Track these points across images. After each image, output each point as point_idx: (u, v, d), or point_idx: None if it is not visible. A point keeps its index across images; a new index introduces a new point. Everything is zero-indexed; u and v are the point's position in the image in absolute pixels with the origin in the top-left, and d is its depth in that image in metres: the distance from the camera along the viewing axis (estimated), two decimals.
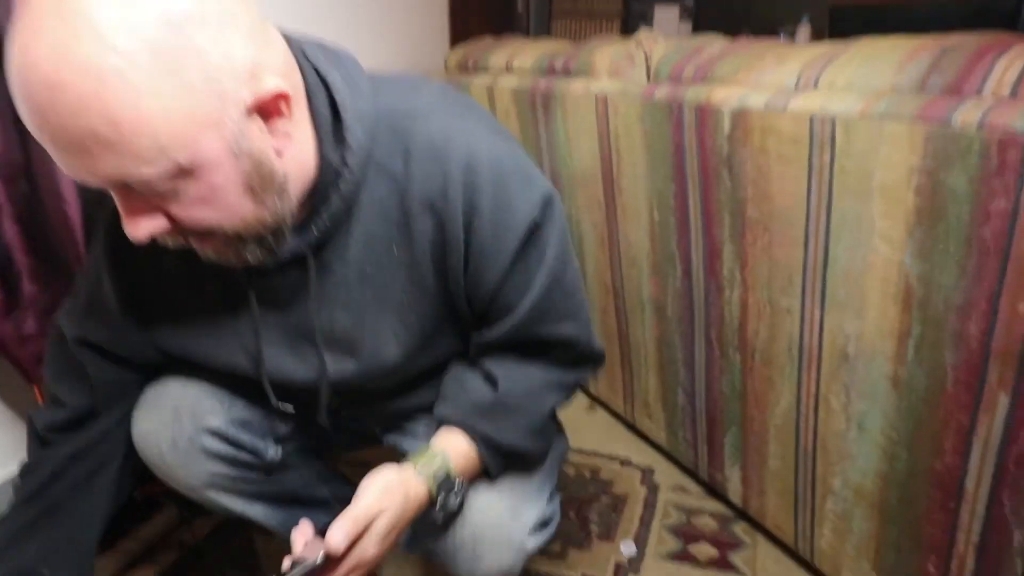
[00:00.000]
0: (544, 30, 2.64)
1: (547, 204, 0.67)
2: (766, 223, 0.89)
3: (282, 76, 0.55)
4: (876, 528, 0.88)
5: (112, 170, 0.49)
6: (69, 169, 0.51)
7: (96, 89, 0.46)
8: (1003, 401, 0.68)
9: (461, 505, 0.71)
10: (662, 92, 1.00)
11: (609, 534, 1.15)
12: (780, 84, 0.84)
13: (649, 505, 1.22)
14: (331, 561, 0.60)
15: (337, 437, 0.91)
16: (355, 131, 0.61)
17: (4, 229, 0.85)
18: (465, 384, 0.74)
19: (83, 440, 0.76)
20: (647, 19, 2.59)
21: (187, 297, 0.72)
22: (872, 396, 0.82)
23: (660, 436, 1.32)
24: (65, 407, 0.75)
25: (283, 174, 0.57)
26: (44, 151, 0.51)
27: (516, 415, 0.72)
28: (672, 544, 1.12)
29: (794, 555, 1.07)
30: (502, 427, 0.71)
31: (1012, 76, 0.63)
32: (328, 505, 0.94)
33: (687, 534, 1.14)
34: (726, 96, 0.89)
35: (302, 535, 0.61)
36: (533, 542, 0.74)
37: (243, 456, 0.82)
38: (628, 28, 2.61)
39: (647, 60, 1.08)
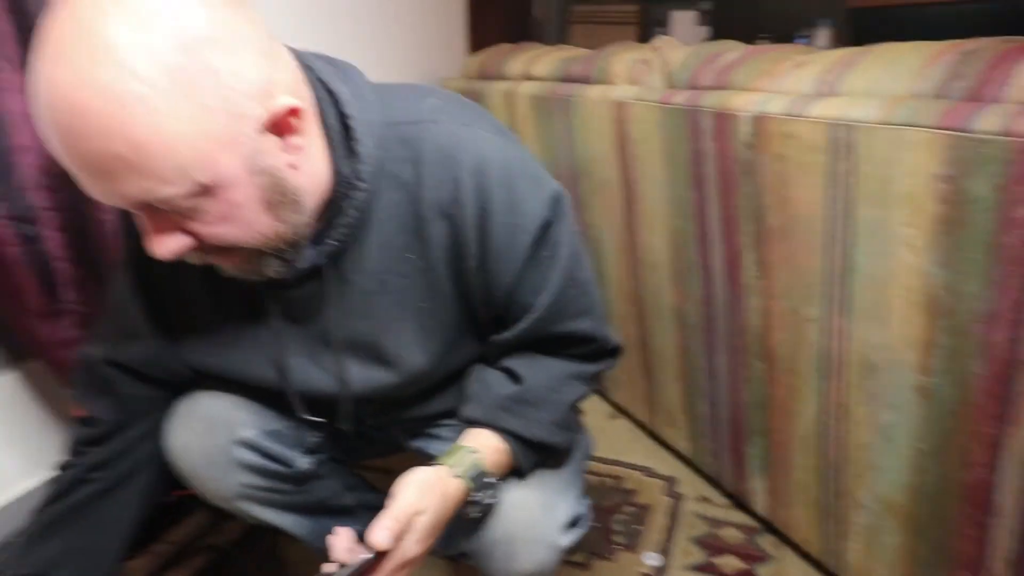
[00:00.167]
0: (561, 37, 2.64)
1: (557, 202, 0.68)
2: (787, 230, 0.88)
3: (293, 92, 0.56)
4: (906, 542, 0.86)
5: (136, 191, 0.51)
6: (95, 192, 0.52)
7: (118, 114, 0.47)
8: None
9: (495, 502, 0.71)
10: (680, 98, 1.00)
11: (633, 544, 1.14)
12: (799, 90, 0.83)
13: (673, 516, 1.20)
14: (374, 562, 0.61)
15: (362, 446, 0.92)
16: (365, 142, 0.62)
17: (48, 237, 0.88)
18: (488, 383, 0.74)
19: (110, 451, 0.78)
20: (664, 25, 2.57)
21: (211, 314, 0.74)
22: (898, 407, 0.80)
23: (683, 445, 1.31)
24: (96, 424, 0.77)
25: (299, 188, 0.59)
26: None
27: (540, 408, 0.72)
28: (697, 556, 1.11)
29: (822, 568, 1.05)
30: (528, 421, 0.71)
31: None
32: (355, 513, 0.95)
33: (712, 546, 1.13)
34: (745, 102, 0.88)
35: (343, 540, 0.61)
36: (566, 539, 0.74)
37: (274, 467, 0.83)
38: (645, 34, 2.60)
39: (665, 66, 1.07)
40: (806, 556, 1.08)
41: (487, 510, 0.71)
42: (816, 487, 0.98)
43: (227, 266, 0.62)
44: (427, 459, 0.68)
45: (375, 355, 0.73)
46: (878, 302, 0.78)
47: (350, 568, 0.58)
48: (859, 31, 2.23)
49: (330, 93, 0.62)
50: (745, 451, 1.11)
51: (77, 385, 0.79)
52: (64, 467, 0.78)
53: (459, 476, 0.67)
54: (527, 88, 1.38)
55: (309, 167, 0.60)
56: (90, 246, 0.93)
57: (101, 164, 0.49)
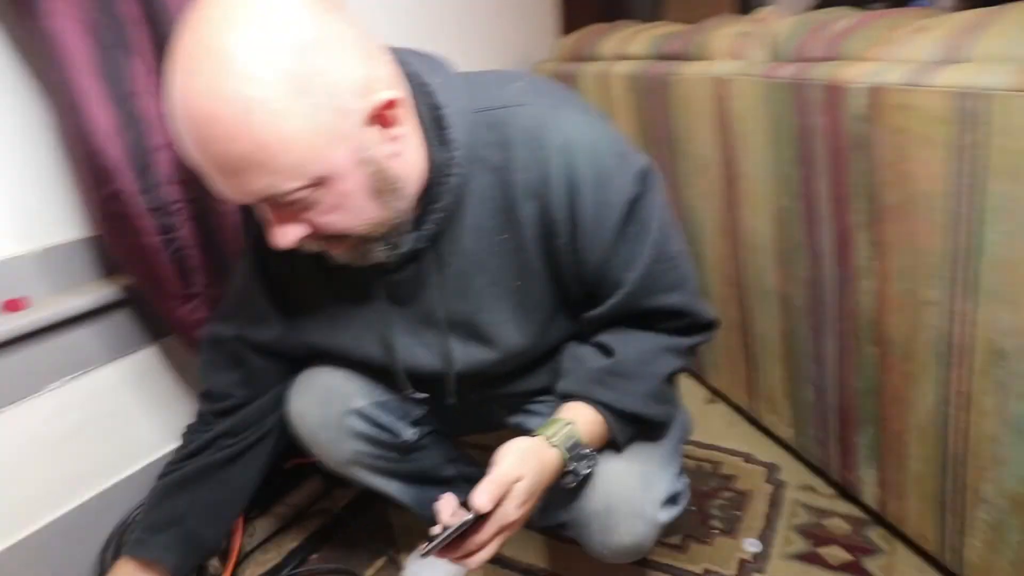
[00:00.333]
0: (656, 14, 2.56)
1: (644, 177, 0.68)
2: (906, 209, 0.83)
3: (392, 86, 0.59)
4: None
5: (261, 187, 0.56)
6: (225, 189, 0.58)
7: (244, 119, 0.52)
8: None
9: (591, 473, 0.73)
10: (786, 71, 0.95)
11: (731, 530, 1.13)
12: (920, 58, 0.77)
13: (775, 503, 1.17)
14: (475, 524, 0.63)
15: (463, 420, 0.96)
16: (456, 130, 0.65)
17: (182, 228, 0.97)
18: (581, 357, 0.76)
19: (238, 420, 0.85)
20: None
21: (323, 298, 0.79)
22: None
23: (786, 432, 1.26)
24: (225, 398, 0.85)
25: (400, 176, 0.62)
26: None
27: (634, 380, 0.73)
28: (800, 545, 1.08)
29: (938, 565, 0.99)
30: (622, 393, 0.72)
31: None
32: (455, 483, 0.99)
33: (817, 536, 1.09)
34: (858, 73, 0.83)
35: (448, 504, 0.65)
36: (664, 515, 0.75)
37: (383, 436, 0.89)
38: (745, 6, 2.47)
39: (769, 38, 1.03)
40: (919, 551, 1.02)
41: (584, 480, 0.73)
42: (933, 480, 0.93)
43: (338, 252, 0.67)
44: (525, 433, 0.70)
45: (474, 333, 0.76)
46: (1009, 284, 0.73)
47: (453, 529, 0.61)
48: None
49: (422, 86, 0.65)
50: (854, 440, 1.07)
51: (205, 360, 0.86)
52: (192, 432, 0.86)
53: (555, 446, 0.68)
54: (621, 68, 1.36)
55: (408, 156, 0.63)
56: (217, 236, 1.02)
57: (232, 164, 0.55)
